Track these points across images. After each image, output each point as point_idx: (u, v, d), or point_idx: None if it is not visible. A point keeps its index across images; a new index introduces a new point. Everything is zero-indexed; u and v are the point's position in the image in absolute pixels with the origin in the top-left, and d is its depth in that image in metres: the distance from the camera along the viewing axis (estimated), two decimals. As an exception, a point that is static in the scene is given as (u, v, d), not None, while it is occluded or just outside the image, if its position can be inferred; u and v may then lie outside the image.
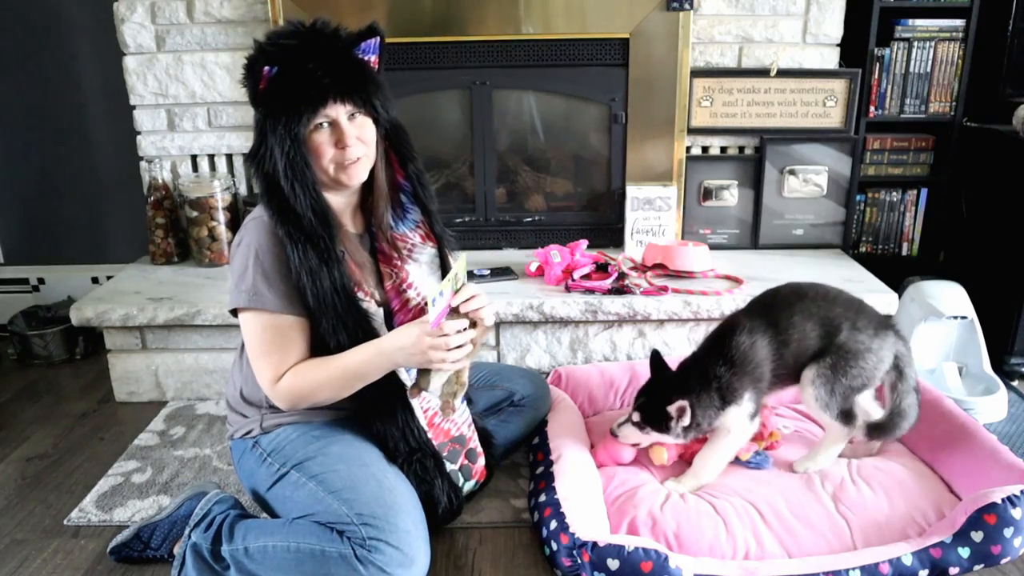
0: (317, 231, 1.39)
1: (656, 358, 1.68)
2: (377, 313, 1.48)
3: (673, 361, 1.69)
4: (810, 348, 1.62)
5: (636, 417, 1.65)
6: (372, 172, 1.50)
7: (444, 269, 1.61)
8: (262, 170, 1.39)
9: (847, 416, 1.63)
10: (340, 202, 1.50)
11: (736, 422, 1.61)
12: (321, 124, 1.39)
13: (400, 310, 1.54)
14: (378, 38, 1.42)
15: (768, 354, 1.61)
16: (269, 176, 1.39)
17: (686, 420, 1.58)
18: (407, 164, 1.55)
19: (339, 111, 1.39)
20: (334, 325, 1.41)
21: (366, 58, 1.42)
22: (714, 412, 1.60)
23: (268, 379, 1.43)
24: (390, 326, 1.51)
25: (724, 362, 1.60)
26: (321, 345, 1.44)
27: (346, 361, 1.41)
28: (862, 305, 1.67)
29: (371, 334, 1.44)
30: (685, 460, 1.73)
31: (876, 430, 1.67)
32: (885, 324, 1.65)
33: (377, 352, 1.40)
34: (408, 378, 1.50)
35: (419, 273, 1.57)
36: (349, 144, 1.41)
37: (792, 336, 1.61)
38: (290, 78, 1.35)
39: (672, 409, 1.58)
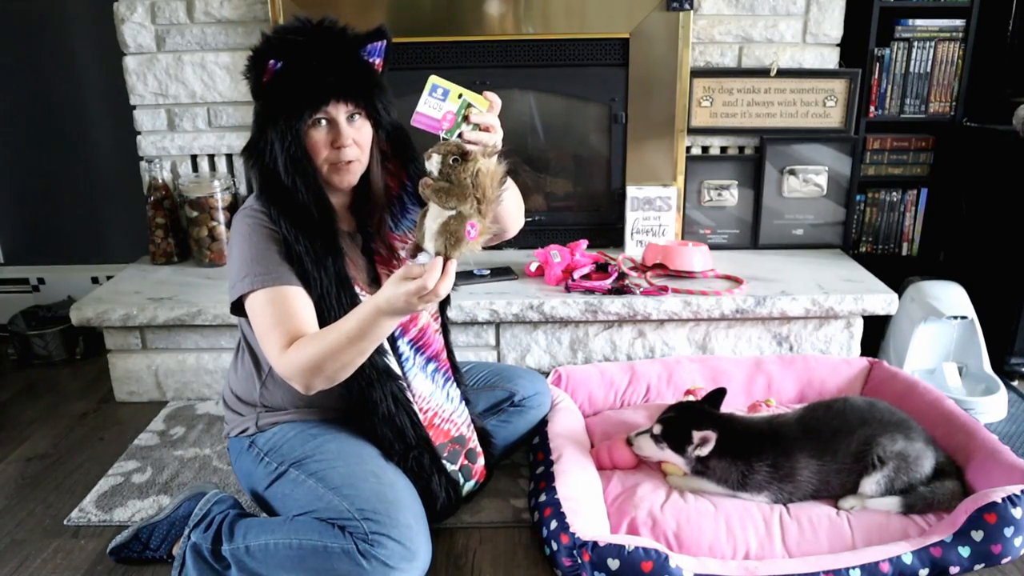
0: (321, 224, 1.39)
1: (717, 394, 1.67)
2: None
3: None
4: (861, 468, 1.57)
5: (657, 429, 1.64)
6: (368, 177, 1.49)
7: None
8: (261, 164, 1.39)
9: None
10: (333, 201, 1.49)
11: (749, 498, 1.60)
12: (319, 121, 1.38)
13: None
14: (385, 41, 1.42)
15: (813, 477, 1.57)
16: (268, 170, 1.39)
17: (703, 451, 1.57)
18: (409, 165, 1.54)
19: (339, 111, 1.39)
20: (337, 317, 1.38)
21: (371, 60, 1.42)
22: (726, 481, 1.59)
23: (276, 352, 1.34)
24: None
25: (771, 465, 1.57)
26: None
27: (347, 324, 1.29)
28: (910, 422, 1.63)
29: None
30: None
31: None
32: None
33: (374, 308, 1.26)
34: (396, 367, 1.49)
35: None
36: (345, 144, 1.40)
37: (845, 465, 1.57)
38: (294, 74, 1.35)
39: (697, 435, 1.57)
